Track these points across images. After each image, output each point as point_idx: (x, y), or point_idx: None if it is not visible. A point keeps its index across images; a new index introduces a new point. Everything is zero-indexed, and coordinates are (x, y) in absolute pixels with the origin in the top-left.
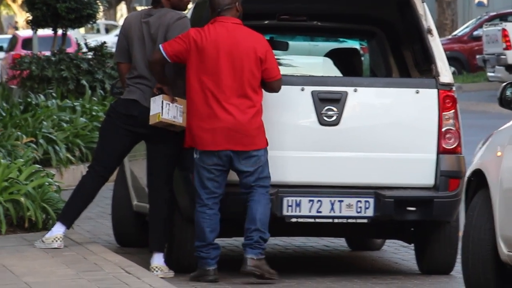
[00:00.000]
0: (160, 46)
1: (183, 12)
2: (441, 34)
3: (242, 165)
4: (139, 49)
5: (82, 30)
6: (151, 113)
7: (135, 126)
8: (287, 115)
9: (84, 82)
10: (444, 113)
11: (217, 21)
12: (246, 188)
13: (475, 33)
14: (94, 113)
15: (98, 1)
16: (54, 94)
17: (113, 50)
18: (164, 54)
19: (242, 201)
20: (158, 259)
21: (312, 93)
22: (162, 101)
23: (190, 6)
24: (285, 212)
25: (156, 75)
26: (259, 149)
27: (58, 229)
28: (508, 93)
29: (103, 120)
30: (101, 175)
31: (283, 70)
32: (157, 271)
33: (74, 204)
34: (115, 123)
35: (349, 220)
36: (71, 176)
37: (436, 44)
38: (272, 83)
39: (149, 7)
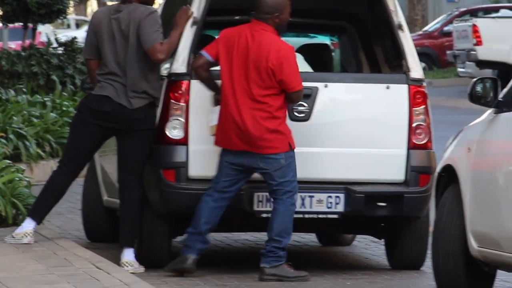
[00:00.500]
0: (202, 50)
1: (152, 7)
2: (411, 30)
3: (260, 168)
4: (109, 46)
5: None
6: (211, 124)
7: (106, 121)
8: None
9: (54, 77)
10: (414, 108)
11: (251, 23)
12: (270, 192)
13: (445, 28)
14: (64, 109)
15: None
16: (24, 89)
17: (83, 45)
18: (208, 57)
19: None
20: (128, 255)
21: None
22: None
23: (160, 1)
24: (255, 208)
25: (205, 82)
26: (277, 153)
27: (28, 225)
28: (478, 88)
29: (74, 115)
30: (72, 171)
31: None
32: (127, 266)
33: (44, 199)
34: (86, 119)
35: (320, 216)
36: (41, 171)
37: (407, 39)
38: (290, 94)
39: (118, 2)
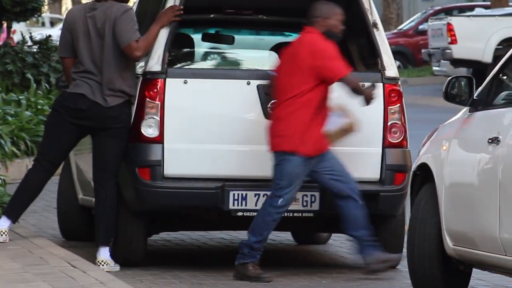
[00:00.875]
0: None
1: (127, 4)
2: (386, 28)
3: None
4: (85, 44)
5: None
6: (333, 131)
7: (81, 119)
8: (233, 109)
9: (29, 75)
10: (389, 107)
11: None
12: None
13: (420, 27)
14: (39, 107)
15: None
16: None
17: (58, 43)
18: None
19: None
20: (104, 253)
21: (258, 87)
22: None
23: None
24: (231, 206)
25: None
26: (275, 151)
27: (3, 223)
28: (453, 87)
29: (49, 114)
30: (47, 169)
31: (228, 65)
32: (103, 265)
33: (19, 198)
34: (61, 117)
35: (295, 214)
36: (16, 169)
37: (382, 38)
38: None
39: (92, 0)
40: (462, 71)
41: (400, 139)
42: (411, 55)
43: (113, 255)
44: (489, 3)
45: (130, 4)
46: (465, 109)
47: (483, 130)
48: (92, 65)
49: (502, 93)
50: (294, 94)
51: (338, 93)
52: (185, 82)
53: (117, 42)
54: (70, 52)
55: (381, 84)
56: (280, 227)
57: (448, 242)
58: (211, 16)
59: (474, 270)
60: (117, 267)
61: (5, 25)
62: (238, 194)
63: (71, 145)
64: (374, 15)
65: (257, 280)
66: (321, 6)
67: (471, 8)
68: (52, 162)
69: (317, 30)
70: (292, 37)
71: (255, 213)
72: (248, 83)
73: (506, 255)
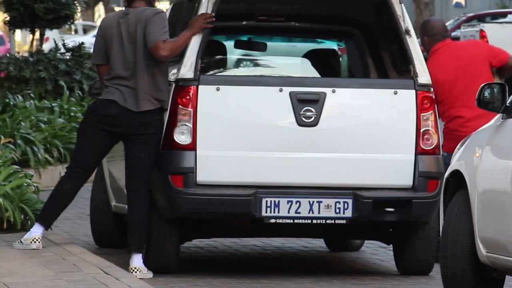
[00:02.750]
0: None
1: (159, 8)
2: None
3: None
4: (117, 50)
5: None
6: None
7: (113, 126)
8: (266, 116)
9: (62, 82)
10: (422, 114)
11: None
12: None
13: (453, 34)
14: (72, 114)
15: (76, 2)
16: (32, 95)
17: (91, 50)
18: None
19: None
20: (137, 260)
21: (290, 94)
22: None
23: (168, 6)
24: (263, 213)
25: None
26: None
27: (36, 230)
28: (486, 93)
29: (81, 121)
30: (80, 177)
31: (261, 71)
32: (136, 272)
33: (52, 205)
34: (94, 124)
35: (328, 221)
36: (50, 177)
37: (414, 45)
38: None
39: (126, 7)
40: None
41: (433, 146)
42: None
43: (146, 262)
44: None
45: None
46: (498, 116)
47: None
48: (124, 70)
49: None
50: None
51: (368, 102)
52: (218, 89)
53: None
54: (104, 59)
55: (414, 91)
56: (314, 234)
57: (481, 249)
58: (243, 23)
59: (507, 277)
60: (150, 274)
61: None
62: (271, 201)
63: (104, 152)
64: (406, 22)
65: None
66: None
67: (504, 14)
68: (85, 169)
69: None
70: (325, 44)
71: (287, 220)
72: (281, 90)
73: None
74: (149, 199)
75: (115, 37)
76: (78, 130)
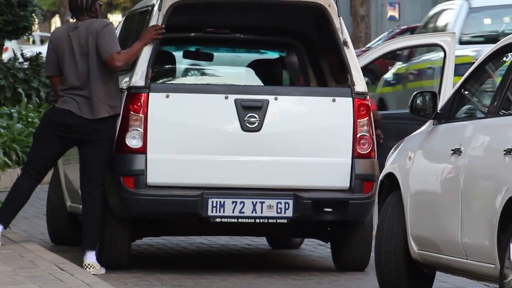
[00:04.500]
0: None
1: (107, 20)
2: (355, 46)
3: None
4: (70, 62)
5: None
6: None
7: (69, 133)
8: (212, 121)
9: (20, 90)
10: (358, 120)
11: None
12: None
13: None
14: (30, 120)
15: (33, 14)
16: None
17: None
18: None
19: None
20: (90, 257)
21: (235, 101)
22: None
23: (121, 18)
24: (209, 213)
25: None
26: None
27: None
28: (418, 101)
29: (37, 126)
30: (35, 178)
31: (208, 80)
32: (89, 268)
33: (10, 204)
34: (49, 130)
35: (270, 220)
36: (8, 178)
37: (351, 55)
38: None
39: (74, 20)
40: None
41: (369, 150)
42: (378, 71)
43: (99, 259)
44: None
45: (115, 24)
46: (429, 122)
47: (446, 142)
48: (77, 81)
49: (464, 107)
50: None
51: (308, 109)
52: (167, 96)
53: (100, 55)
54: (56, 70)
55: (351, 98)
56: (256, 233)
57: (413, 246)
58: (192, 34)
59: (437, 273)
60: (102, 270)
61: None
62: (216, 202)
63: (58, 156)
64: (344, 34)
65: None
66: None
67: None
68: (39, 171)
69: None
70: (267, 54)
71: (232, 219)
72: (226, 97)
73: (467, 259)
74: (103, 199)
75: (66, 49)
76: (34, 134)
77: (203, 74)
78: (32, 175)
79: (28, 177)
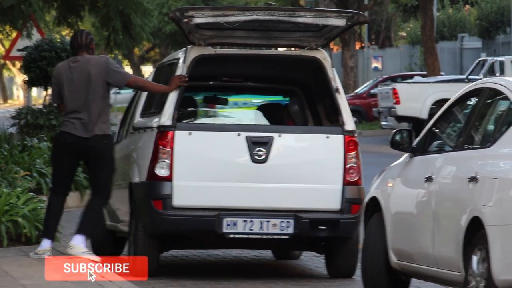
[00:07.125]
0: None
1: (103, 55)
2: (346, 92)
3: None
4: (68, 89)
5: None
6: None
7: (72, 151)
8: (227, 154)
9: None
10: (348, 153)
11: None
12: None
13: (372, 91)
14: None
15: None
16: (45, 138)
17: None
18: None
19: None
20: (78, 240)
21: (246, 137)
22: None
23: (152, 69)
24: (224, 230)
25: None
26: None
27: (46, 243)
28: (397, 138)
29: (51, 151)
30: (61, 193)
31: (223, 120)
32: (71, 249)
33: (48, 221)
34: (58, 152)
35: (274, 236)
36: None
37: (342, 100)
38: None
39: (73, 56)
40: (404, 125)
41: (356, 178)
42: (364, 112)
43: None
44: (425, 72)
45: (147, 74)
46: (406, 154)
47: (420, 171)
48: (75, 106)
49: (435, 142)
50: None
51: (306, 144)
52: (190, 134)
53: (103, 85)
54: (60, 99)
55: (342, 136)
56: (263, 246)
57: (393, 257)
58: (210, 83)
59: (413, 280)
60: (86, 254)
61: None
62: (230, 221)
63: (73, 171)
64: (336, 82)
65: None
66: None
67: (411, 76)
68: (63, 187)
69: None
70: (273, 99)
71: (243, 235)
72: (239, 135)
73: (438, 268)
74: (102, 209)
75: (65, 79)
76: (50, 157)
77: (220, 115)
78: (59, 192)
79: (57, 194)
